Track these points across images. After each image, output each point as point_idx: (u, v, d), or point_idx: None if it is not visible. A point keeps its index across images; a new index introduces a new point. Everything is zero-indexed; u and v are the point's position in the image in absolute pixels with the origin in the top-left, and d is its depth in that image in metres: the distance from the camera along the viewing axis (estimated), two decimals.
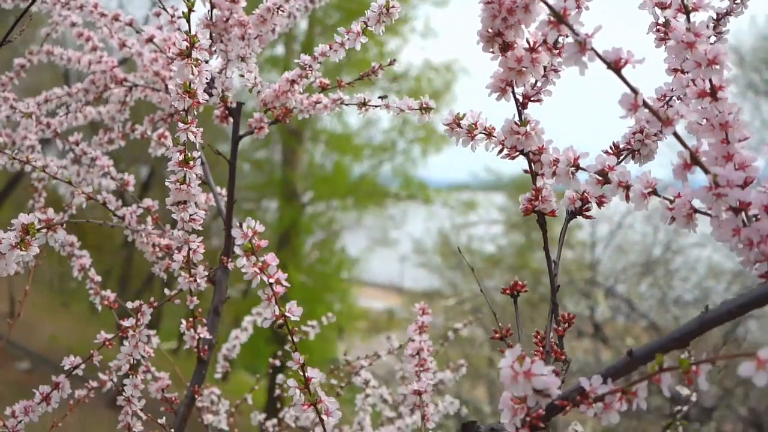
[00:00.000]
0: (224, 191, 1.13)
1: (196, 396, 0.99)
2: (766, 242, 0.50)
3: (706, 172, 0.52)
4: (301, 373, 0.65)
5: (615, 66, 0.51)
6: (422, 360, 0.95)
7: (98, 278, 1.11)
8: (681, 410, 1.15)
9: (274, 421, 1.42)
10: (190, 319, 0.97)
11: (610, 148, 0.70)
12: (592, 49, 0.50)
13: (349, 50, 1.08)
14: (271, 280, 0.62)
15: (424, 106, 0.82)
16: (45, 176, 1.27)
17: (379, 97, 0.94)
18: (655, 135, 0.69)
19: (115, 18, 1.10)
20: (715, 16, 0.72)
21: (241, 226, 0.61)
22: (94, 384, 1.09)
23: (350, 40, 0.88)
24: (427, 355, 0.96)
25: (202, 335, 0.98)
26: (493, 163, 9.80)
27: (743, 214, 0.52)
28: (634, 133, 0.69)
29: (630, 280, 6.39)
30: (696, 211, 0.55)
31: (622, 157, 0.69)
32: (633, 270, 6.50)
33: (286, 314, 0.63)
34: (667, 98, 0.70)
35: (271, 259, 0.63)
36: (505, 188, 10.51)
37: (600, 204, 0.69)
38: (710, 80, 0.54)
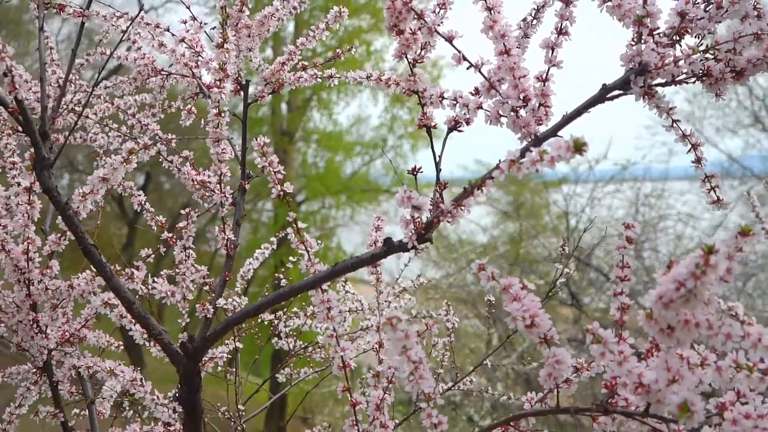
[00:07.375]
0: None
1: (227, 279, 1.47)
2: (528, 126, 0.99)
3: (498, 92, 1.00)
4: (295, 225, 1.13)
5: (449, 39, 0.99)
6: None
7: (152, 210, 1.59)
8: (557, 285, 1.62)
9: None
10: (221, 225, 1.45)
11: (474, 89, 1.18)
12: (436, 30, 0.98)
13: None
14: (275, 170, 1.10)
15: (372, 76, 1.29)
16: (104, 144, 1.75)
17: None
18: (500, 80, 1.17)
19: (157, 26, 1.58)
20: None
21: (255, 139, 1.09)
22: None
23: (319, 33, 1.37)
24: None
25: (229, 237, 1.45)
26: (484, 156, 10.28)
27: (518, 112, 1.00)
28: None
29: (605, 251, 6.87)
30: (500, 115, 1.03)
31: (481, 95, 1.17)
32: (607, 241, 6.98)
33: (284, 189, 1.11)
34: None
35: (275, 158, 1.11)
36: (495, 180, 10.95)
37: (468, 123, 1.17)
38: (504, 44, 1.02)
